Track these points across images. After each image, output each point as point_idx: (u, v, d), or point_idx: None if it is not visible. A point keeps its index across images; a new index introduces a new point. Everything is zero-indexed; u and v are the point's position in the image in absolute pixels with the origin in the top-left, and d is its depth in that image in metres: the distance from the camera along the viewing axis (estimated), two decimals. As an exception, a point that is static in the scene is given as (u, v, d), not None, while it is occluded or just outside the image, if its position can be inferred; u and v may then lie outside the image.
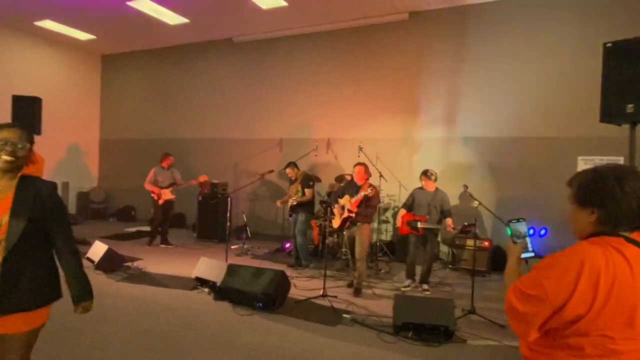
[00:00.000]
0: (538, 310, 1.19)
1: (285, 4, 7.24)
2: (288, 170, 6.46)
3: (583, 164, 6.19)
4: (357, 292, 5.00)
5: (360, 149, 6.94)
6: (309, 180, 6.27)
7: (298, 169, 6.50)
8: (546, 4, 6.55)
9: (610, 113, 3.35)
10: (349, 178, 5.98)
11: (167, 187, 7.28)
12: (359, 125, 7.90)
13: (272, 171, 7.50)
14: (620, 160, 5.83)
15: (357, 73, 8.00)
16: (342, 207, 5.10)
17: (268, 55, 9.00)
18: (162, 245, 7.42)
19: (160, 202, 7.23)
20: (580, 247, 1.21)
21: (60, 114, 10.36)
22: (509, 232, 1.53)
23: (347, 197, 5.08)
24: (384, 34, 7.75)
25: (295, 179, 6.38)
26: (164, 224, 7.51)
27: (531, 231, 1.52)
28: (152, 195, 7.26)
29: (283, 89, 8.79)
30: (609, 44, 3.39)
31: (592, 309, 1.14)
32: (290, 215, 6.40)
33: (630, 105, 3.23)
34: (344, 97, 8.11)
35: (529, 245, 1.50)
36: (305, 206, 6.23)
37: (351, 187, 5.15)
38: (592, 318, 1.14)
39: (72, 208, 10.49)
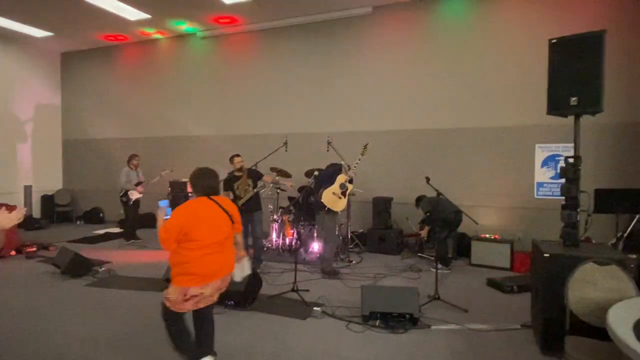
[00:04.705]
0: (173, 233, 2.62)
1: (248, -2, 7.19)
2: (239, 159, 5.82)
3: (540, 151, 6.49)
4: (330, 274, 5.48)
5: (329, 142, 6.99)
6: (257, 173, 5.92)
7: None
8: (503, -3, 6.77)
9: (556, 106, 3.53)
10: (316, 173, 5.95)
11: (134, 187, 7.55)
12: (328, 119, 7.98)
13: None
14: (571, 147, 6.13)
15: (322, 68, 8.06)
16: (341, 186, 5.54)
17: (233, 50, 8.90)
18: (131, 240, 7.68)
19: (131, 202, 7.50)
20: (187, 202, 2.86)
21: (19, 115, 9.97)
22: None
23: (342, 176, 5.60)
24: (347, 28, 7.82)
25: (241, 174, 5.79)
26: (135, 222, 7.79)
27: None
28: (124, 196, 7.45)
29: (250, 84, 8.74)
30: (554, 40, 3.56)
31: (193, 227, 2.66)
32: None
33: (573, 99, 3.43)
34: (312, 91, 8.15)
35: (166, 212, 2.94)
36: (257, 203, 5.83)
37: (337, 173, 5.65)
38: (193, 230, 2.66)
39: (36, 212, 10.15)
